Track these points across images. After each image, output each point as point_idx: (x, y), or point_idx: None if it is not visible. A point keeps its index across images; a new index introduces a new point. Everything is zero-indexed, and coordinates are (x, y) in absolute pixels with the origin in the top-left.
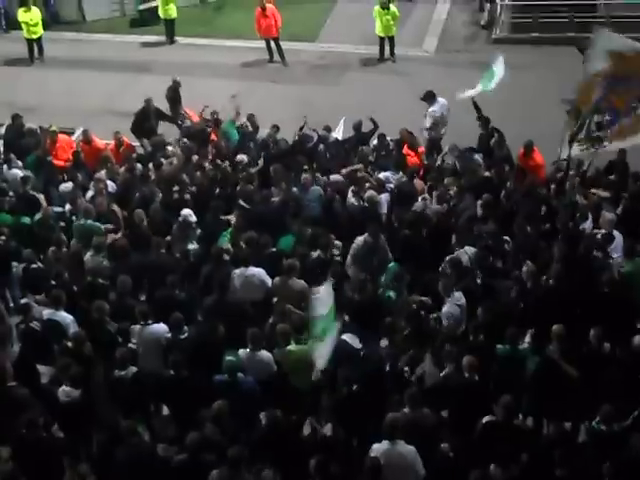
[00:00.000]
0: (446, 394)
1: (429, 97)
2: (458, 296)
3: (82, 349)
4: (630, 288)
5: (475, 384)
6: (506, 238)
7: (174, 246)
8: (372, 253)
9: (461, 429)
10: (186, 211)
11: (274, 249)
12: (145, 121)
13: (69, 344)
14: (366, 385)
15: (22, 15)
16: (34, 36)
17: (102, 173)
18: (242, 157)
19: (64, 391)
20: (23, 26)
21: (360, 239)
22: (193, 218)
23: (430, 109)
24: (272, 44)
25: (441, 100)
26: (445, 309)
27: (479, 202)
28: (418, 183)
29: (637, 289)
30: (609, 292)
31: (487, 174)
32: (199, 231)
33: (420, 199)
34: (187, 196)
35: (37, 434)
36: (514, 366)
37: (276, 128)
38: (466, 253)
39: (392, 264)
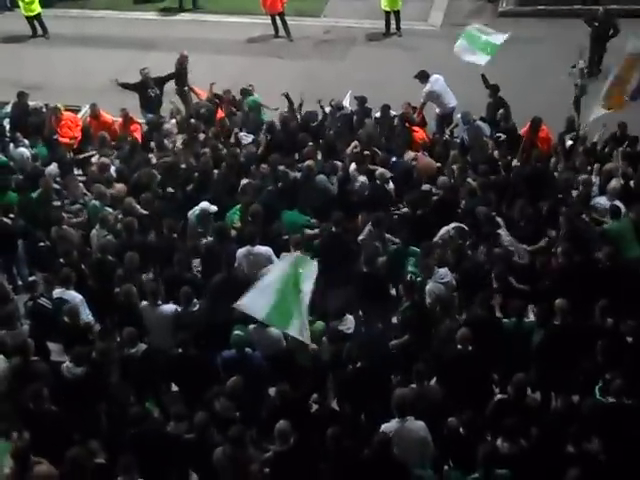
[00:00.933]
0: (444, 366)
1: (421, 77)
2: (442, 273)
3: (78, 323)
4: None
5: (469, 355)
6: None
7: (190, 237)
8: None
9: (462, 402)
10: (204, 204)
11: (286, 237)
12: (144, 90)
13: (65, 319)
14: (370, 364)
15: None
16: (31, 14)
17: (96, 157)
18: (241, 135)
19: (67, 367)
20: (20, 4)
21: (365, 231)
22: (213, 209)
23: (424, 89)
24: (277, 19)
25: (433, 78)
26: (428, 287)
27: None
28: (427, 160)
29: (623, 248)
30: (610, 266)
31: (495, 154)
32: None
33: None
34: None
35: (42, 407)
36: (520, 339)
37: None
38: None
39: (412, 248)
